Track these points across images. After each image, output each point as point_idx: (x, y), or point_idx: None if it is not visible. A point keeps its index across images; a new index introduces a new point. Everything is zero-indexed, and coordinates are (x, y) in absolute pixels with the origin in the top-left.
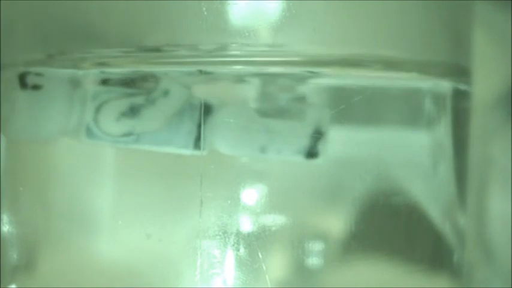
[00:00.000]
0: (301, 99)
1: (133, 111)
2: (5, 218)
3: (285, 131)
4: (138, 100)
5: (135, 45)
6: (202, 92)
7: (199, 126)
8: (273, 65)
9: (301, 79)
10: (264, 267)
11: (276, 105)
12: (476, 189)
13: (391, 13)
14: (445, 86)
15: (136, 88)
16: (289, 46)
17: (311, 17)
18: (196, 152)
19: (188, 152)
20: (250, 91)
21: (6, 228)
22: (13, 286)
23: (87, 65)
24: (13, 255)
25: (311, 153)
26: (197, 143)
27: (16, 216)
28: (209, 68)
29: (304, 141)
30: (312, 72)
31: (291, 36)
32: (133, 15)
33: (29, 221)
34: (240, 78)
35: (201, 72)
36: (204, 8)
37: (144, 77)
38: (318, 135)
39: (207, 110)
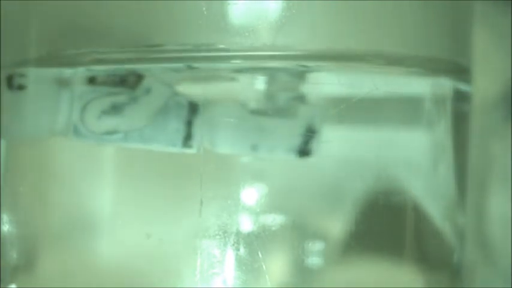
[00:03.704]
0: (296, 97)
1: (116, 109)
2: (4, 217)
3: (276, 129)
4: (121, 98)
5: (133, 44)
6: (190, 90)
7: (187, 124)
8: (270, 60)
9: (297, 76)
10: (264, 267)
11: (268, 103)
12: (476, 189)
13: (391, 10)
14: (446, 85)
15: (122, 87)
16: (290, 45)
17: (311, 16)
18: (186, 150)
19: (177, 150)
20: (240, 89)
21: (5, 227)
22: (13, 286)
23: (80, 63)
24: (13, 255)
25: (303, 151)
26: (186, 141)
27: (15, 216)
28: (200, 64)
29: (296, 140)
30: (305, 66)
31: (291, 35)
32: (132, 15)
33: (28, 221)
34: (230, 76)
35: (190, 67)
36: (204, 8)
37: (130, 75)
38: (310, 133)
39: (194, 108)
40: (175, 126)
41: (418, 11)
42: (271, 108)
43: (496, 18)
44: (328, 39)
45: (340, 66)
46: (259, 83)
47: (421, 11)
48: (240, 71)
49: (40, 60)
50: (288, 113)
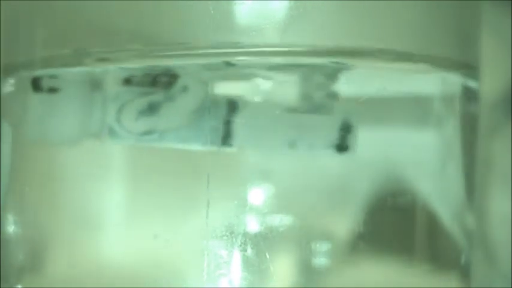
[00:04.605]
0: (329, 94)
1: (152, 109)
2: (11, 218)
3: (314, 126)
4: (157, 97)
5: (141, 41)
6: (226, 88)
7: (225, 123)
8: (281, 55)
9: (327, 73)
10: (271, 268)
11: (304, 101)
12: (476, 189)
13: (400, 8)
14: (455, 84)
15: (157, 86)
16: (298, 42)
17: (319, 14)
18: (226, 149)
19: (213, 149)
20: (274, 87)
21: (12, 228)
22: (19, 287)
23: (97, 61)
24: (19, 256)
25: (342, 146)
26: (225, 140)
27: (23, 217)
28: (227, 60)
29: (334, 135)
30: (337, 62)
31: (299, 32)
32: (138, 13)
33: (36, 222)
34: (264, 74)
35: (226, 64)
36: (211, 7)
37: (164, 75)
38: (346, 128)
39: (232, 106)
40: (213, 125)
41: (427, 9)
42: (307, 106)
43: (496, 18)
44: (336, 38)
45: (351, 60)
46: (294, 80)
47: (430, 9)
48: (273, 68)
49: (65, 59)
50: (324, 109)
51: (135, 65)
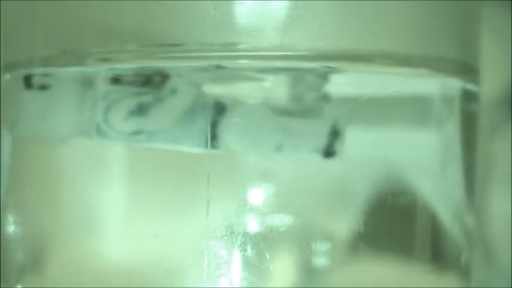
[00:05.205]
0: (320, 97)
1: (142, 110)
2: (11, 218)
3: (301, 130)
4: (147, 98)
5: (138, 42)
6: (215, 90)
7: (212, 125)
8: (282, 59)
9: (320, 76)
10: (271, 268)
11: (293, 103)
12: (476, 189)
13: (399, 10)
14: (454, 85)
15: (147, 87)
16: (297, 44)
17: (318, 14)
18: (210, 151)
19: (201, 150)
20: (264, 89)
21: (12, 228)
22: (19, 287)
23: (92, 61)
24: (19, 256)
25: (328, 152)
26: (212, 142)
27: (23, 217)
28: (222, 63)
29: (321, 140)
30: (328, 67)
31: (299, 33)
32: (137, 13)
33: (36, 221)
34: (255, 76)
35: (218, 67)
36: (211, 7)
37: (155, 75)
38: (334, 134)
39: (220, 108)
40: (200, 127)
41: (427, 11)
42: (296, 109)
43: (496, 18)
44: (335, 39)
45: (349, 64)
46: (284, 83)
47: (429, 11)
48: (264, 71)
49: (60, 58)
50: (313, 113)
51: (133, 66)
